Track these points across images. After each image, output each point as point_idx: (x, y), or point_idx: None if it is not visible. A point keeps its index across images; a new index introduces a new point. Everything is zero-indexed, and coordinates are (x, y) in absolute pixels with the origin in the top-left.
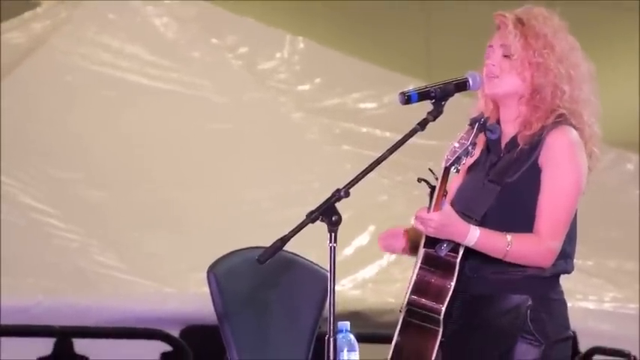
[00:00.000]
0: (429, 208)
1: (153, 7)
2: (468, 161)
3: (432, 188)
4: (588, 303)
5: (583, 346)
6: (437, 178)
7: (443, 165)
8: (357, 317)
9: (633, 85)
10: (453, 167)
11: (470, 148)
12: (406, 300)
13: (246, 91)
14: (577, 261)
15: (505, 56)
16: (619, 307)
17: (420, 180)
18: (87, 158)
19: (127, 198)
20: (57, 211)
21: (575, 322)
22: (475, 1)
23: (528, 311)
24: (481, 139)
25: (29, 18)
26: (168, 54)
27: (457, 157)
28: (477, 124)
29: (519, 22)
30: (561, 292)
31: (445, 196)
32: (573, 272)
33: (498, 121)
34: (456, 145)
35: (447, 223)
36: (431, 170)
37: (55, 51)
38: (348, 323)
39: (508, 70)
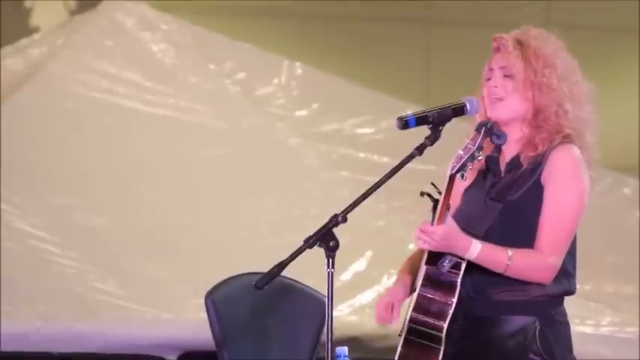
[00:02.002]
0: (432, 221)
1: (150, 33)
2: (465, 183)
3: (435, 202)
4: (586, 327)
5: None
6: (439, 192)
7: (448, 173)
8: (355, 342)
9: (633, 107)
10: (459, 174)
11: (476, 152)
12: (407, 318)
13: (243, 116)
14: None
15: (506, 77)
16: (617, 332)
17: (422, 194)
18: (85, 184)
19: (126, 224)
20: (55, 238)
21: (573, 347)
22: (474, 26)
23: (536, 332)
24: (485, 149)
25: (27, 45)
26: (166, 80)
27: (463, 163)
28: (483, 129)
29: (518, 43)
30: (565, 315)
31: (448, 209)
32: (571, 297)
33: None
34: (461, 152)
35: (450, 235)
36: (433, 185)
37: (52, 77)
38: (345, 348)
39: (511, 92)
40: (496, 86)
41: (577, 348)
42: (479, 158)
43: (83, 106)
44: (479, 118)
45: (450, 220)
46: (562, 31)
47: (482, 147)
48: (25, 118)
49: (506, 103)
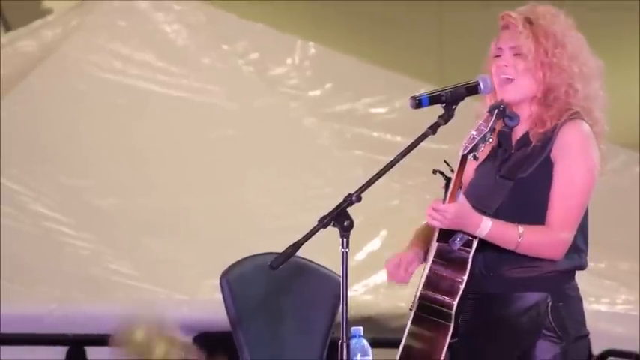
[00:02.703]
0: (444, 199)
1: (163, 13)
2: (480, 156)
3: (447, 180)
4: (600, 305)
5: (596, 349)
6: (452, 170)
7: (460, 153)
8: (369, 322)
9: (634, 87)
10: (471, 155)
11: (488, 134)
12: (418, 294)
13: (256, 96)
14: (589, 263)
15: (516, 55)
16: (631, 309)
17: (435, 172)
18: (98, 166)
19: (139, 205)
20: (69, 219)
21: (588, 325)
22: (488, 2)
23: (549, 308)
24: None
25: (40, 26)
26: (179, 60)
27: (475, 144)
28: (495, 111)
29: (527, 21)
30: (577, 289)
31: (460, 187)
32: (585, 274)
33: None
34: (474, 133)
35: (462, 213)
36: (446, 162)
37: (66, 59)
38: (361, 328)
39: (522, 72)
40: (506, 65)
41: (591, 326)
42: (490, 140)
43: (97, 88)
44: (488, 97)
45: (462, 199)
46: (572, 9)
47: (494, 129)
48: (39, 99)
49: (516, 83)
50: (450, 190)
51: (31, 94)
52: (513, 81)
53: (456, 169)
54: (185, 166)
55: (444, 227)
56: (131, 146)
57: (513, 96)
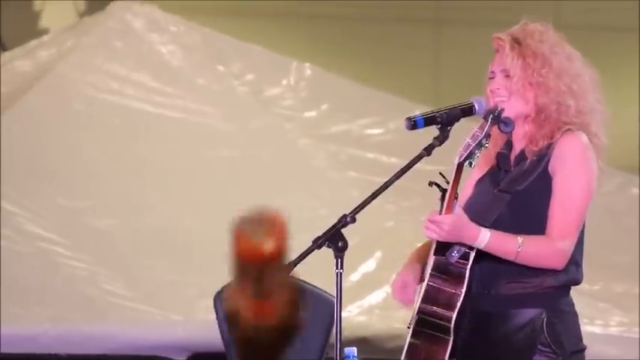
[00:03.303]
0: (440, 211)
1: (158, 34)
2: (477, 173)
3: (444, 192)
4: (594, 327)
5: None
6: (448, 182)
7: (456, 161)
8: (364, 343)
9: (633, 108)
10: (467, 162)
11: (484, 140)
12: (416, 309)
13: (252, 117)
14: (584, 285)
15: (507, 77)
16: (625, 332)
17: (431, 184)
18: (94, 186)
19: (135, 226)
20: (65, 240)
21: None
22: (484, 26)
23: (544, 323)
24: (493, 143)
25: (36, 46)
26: (174, 81)
27: (470, 151)
28: (490, 116)
29: (516, 42)
30: (572, 305)
31: (457, 198)
32: (580, 296)
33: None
34: (469, 140)
35: (459, 224)
36: (442, 174)
37: (62, 79)
38: (354, 349)
39: (511, 93)
40: (498, 88)
41: (585, 345)
42: (486, 145)
43: (92, 108)
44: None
45: (458, 210)
46: (571, 32)
47: (489, 135)
48: (35, 119)
49: (510, 103)
50: (446, 200)
51: (27, 115)
52: (508, 101)
53: (451, 179)
54: (180, 187)
55: (441, 239)
56: (127, 167)
57: (507, 115)
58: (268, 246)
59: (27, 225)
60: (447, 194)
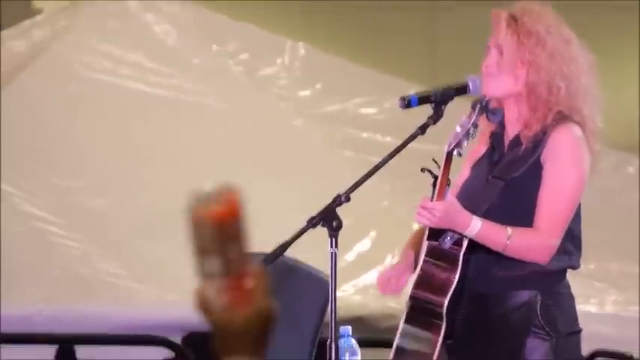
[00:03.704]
0: (432, 197)
1: (153, 14)
2: (474, 156)
3: (435, 178)
4: (590, 306)
5: (585, 350)
6: (440, 168)
7: (445, 150)
8: (358, 322)
9: (633, 88)
10: (455, 151)
11: (471, 129)
12: (409, 294)
13: (246, 97)
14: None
15: (500, 54)
16: (621, 310)
17: (423, 170)
18: (88, 166)
19: (129, 205)
20: (59, 219)
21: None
22: (480, 2)
23: (538, 306)
24: (487, 129)
25: (29, 26)
26: (169, 61)
27: (458, 141)
28: (478, 106)
29: (513, 19)
30: (569, 287)
31: (448, 185)
32: (575, 275)
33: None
34: (458, 129)
35: (451, 211)
36: (434, 160)
37: (56, 59)
38: (349, 328)
39: (502, 70)
40: (489, 65)
41: (581, 327)
42: (474, 136)
43: (86, 88)
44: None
45: (450, 197)
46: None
47: (477, 124)
48: (28, 100)
49: (495, 79)
50: (437, 187)
51: (22, 95)
52: (493, 78)
53: (441, 167)
54: (175, 167)
55: (432, 225)
56: (122, 146)
57: (493, 92)
58: (219, 209)
59: (22, 205)
60: (438, 181)
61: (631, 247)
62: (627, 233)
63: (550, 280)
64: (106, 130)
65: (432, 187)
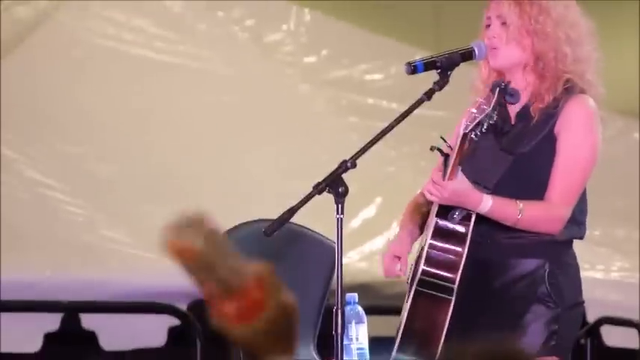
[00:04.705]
0: (443, 176)
1: None
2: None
3: (445, 156)
4: (596, 272)
5: (591, 316)
6: (449, 147)
7: (461, 131)
8: (364, 289)
9: (634, 54)
10: (472, 133)
11: (491, 112)
12: (419, 270)
13: (252, 63)
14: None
15: (503, 24)
16: (627, 277)
17: (432, 148)
18: (93, 132)
19: (134, 172)
20: (63, 186)
21: (583, 292)
22: None
23: (546, 275)
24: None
25: None
26: (174, 27)
27: (478, 122)
28: (497, 89)
29: None
30: (575, 257)
31: (461, 165)
32: (581, 242)
33: None
34: (474, 110)
35: (461, 191)
36: (443, 138)
37: (60, 25)
38: (355, 295)
39: (508, 41)
40: (494, 36)
41: (587, 293)
42: (493, 119)
43: (91, 54)
44: (483, 64)
45: (460, 176)
46: None
47: (497, 107)
48: (33, 66)
49: (501, 51)
50: (449, 167)
51: (26, 61)
52: (499, 50)
53: (456, 147)
54: (180, 133)
55: (441, 202)
56: (127, 113)
57: (500, 63)
58: (197, 242)
59: (26, 171)
60: (451, 161)
61: (636, 213)
62: (632, 199)
63: (558, 249)
64: (111, 96)
65: (442, 165)
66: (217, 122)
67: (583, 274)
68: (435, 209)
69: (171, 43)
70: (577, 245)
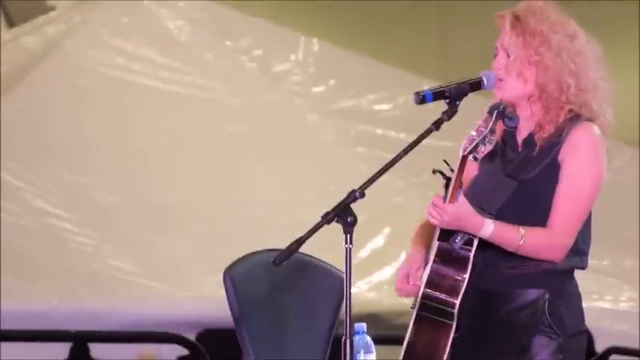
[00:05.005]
0: (444, 199)
1: (167, 10)
2: (485, 150)
3: (447, 179)
4: (604, 303)
5: (599, 346)
6: (452, 170)
7: (460, 153)
8: (373, 319)
9: (634, 83)
10: (471, 155)
11: (488, 135)
12: (420, 293)
13: (260, 93)
14: (592, 261)
15: (508, 56)
16: (635, 307)
17: (435, 171)
18: (101, 162)
19: (142, 201)
20: (72, 216)
21: (592, 322)
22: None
23: (546, 305)
24: (499, 128)
25: (43, 22)
26: (182, 57)
27: (475, 145)
28: (495, 112)
29: (517, 20)
30: (576, 286)
31: (461, 187)
32: (589, 272)
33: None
34: (474, 133)
35: (461, 215)
36: (446, 162)
37: (69, 55)
38: (364, 325)
39: (510, 73)
40: (500, 68)
41: (595, 323)
42: (491, 141)
43: (100, 84)
44: (496, 92)
45: (461, 199)
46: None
47: (494, 130)
48: (42, 95)
49: (505, 83)
50: (450, 190)
51: (34, 90)
52: (504, 82)
53: (456, 169)
54: (188, 163)
55: (442, 226)
56: (134, 142)
57: (507, 95)
58: None
59: (33, 200)
60: (452, 184)
61: None
62: None
63: (559, 279)
64: (119, 125)
65: (444, 189)
66: (224, 152)
67: (591, 304)
68: (437, 233)
69: (178, 72)
70: (585, 275)
